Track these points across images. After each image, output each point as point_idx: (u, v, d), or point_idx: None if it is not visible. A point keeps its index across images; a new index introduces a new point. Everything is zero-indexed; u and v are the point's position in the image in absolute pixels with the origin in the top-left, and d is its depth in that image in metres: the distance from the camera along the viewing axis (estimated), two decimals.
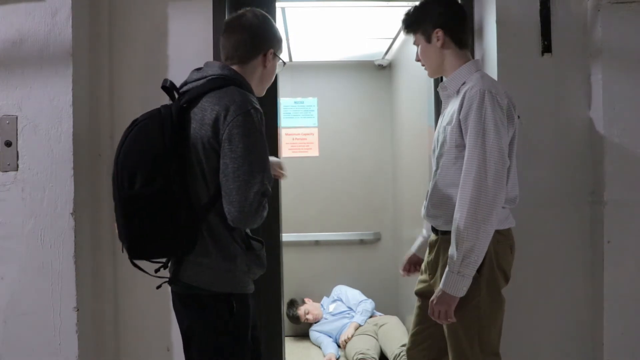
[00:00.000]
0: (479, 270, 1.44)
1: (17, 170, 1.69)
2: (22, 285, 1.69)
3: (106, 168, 1.91)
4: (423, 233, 1.83)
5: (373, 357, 2.99)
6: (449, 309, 1.46)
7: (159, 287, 1.40)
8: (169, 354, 1.95)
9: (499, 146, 1.39)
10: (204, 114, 1.28)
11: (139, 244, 1.28)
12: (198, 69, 1.40)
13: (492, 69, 1.86)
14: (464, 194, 1.41)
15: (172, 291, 1.42)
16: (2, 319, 1.69)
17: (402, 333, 3.20)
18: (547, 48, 1.82)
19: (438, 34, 1.55)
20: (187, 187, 1.28)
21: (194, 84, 1.36)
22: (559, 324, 1.84)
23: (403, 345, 2.99)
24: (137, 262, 1.36)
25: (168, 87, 1.35)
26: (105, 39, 1.93)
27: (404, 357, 2.90)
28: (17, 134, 1.68)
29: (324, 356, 3.25)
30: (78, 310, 1.69)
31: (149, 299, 1.93)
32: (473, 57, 1.68)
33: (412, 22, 1.63)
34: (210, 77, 1.34)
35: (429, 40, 1.58)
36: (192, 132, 1.28)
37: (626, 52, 1.78)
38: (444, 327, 1.55)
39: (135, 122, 1.30)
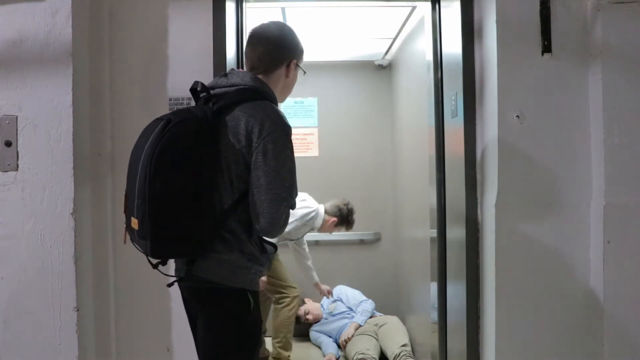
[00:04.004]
0: None
1: (17, 170, 1.69)
2: (22, 285, 1.69)
3: (106, 168, 1.92)
4: None
5: (373, 357, 2.99)
6: None
7: (170, 285, 1.40)
8: (169, 354, 1.95)
9: None
10: (237, 122, 1.32)
11: (163, 242, 1.26)
12: (225, 75, 1.43)
13: (492, 69, 1.86)
14: None
15: (184, 287, 1.43)
16: (2, 319, 1.69)
17: (402, 333, 3.20)
18: (547, 48, 1.82)
19: None
20: (214, 190, 1.31)
21: (224, 89, 1.38)
22: (559, 324, 1.84)
23: (403, 345, 3.00)
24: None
25: (198, 90, 1.37)
26: (105, 39, 1.93)
27: (404, 357, 2.91)
28: (17, 134, 1.68)
29: (324, 356, 3.25)
30: (78, 310, 1.69)
31: (149, 299, 1.94)
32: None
33: None
34: (241, 87, 1.38)
35: None
36: (224, 139, 1.31)
37: (626, 52, 1.78)
38: None
39: (169, 122, 1.26)
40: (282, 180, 1.31)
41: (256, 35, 1.48)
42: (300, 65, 1.56)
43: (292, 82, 1.56)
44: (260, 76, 1.45)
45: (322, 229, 3.24)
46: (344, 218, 3.23)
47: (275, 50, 1.47)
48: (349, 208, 3.26)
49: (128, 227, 1.34)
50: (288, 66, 1.50)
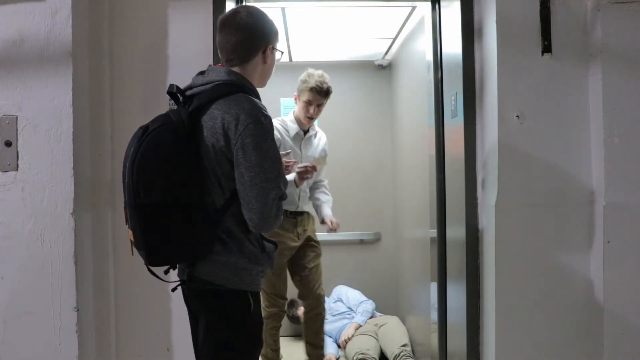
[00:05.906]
0: None
1: (17, 170, 1.69)
2: (22, 285, 1.69)
3: (106, 168, 1.92)
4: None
5: (373, 357, 2.99)
6: None
7: (174, 289, 1.41)
8: (169, 354, 1.95)
9: None
10: (214, 122, 1.30)
11: (158, 251, 1.28)
12: (202, 73, 1.41)
13: (492, 69, 1.86)
14: None
15: (185, 288, 1.44)
16: (2, 319, 1.69)
17: (402, 333, 3.20)
18: (547, 48, 1.82)
19: None
20: (203, 192, 1.31)
21: (201, 88, 1.37)
22: (559, 324, 1.84)
23: (403, 345, 3.00)
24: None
25: (174, 93, 1.36)
26: (105, 39, 1.93)
27: (404, 357, 2.91)
28: (17, 134, 1.68)
29: (324, 356, 3.25)
30: (78, 310, 1.69)
31: (149, 299, 1.94)
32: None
33: None
34: (217, 83, 1.35)
35: None
36: (204, 140, 1.30)
37: (626, 52, 1.78)
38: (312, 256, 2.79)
39: (146, 130, 1.27)
40: (266, 172, 1.28)
41: (227, 24, 1.41)
42: (277, 47, 1.50)
43: (271, 67, 1.50)
44: (236, 67, 1.41)
45: (300, 113, 2.72)
46: (299, 86, 2.71)
47: (249, 39, 1.40)
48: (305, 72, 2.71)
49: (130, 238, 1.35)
50: (264, 52, 1.44)
